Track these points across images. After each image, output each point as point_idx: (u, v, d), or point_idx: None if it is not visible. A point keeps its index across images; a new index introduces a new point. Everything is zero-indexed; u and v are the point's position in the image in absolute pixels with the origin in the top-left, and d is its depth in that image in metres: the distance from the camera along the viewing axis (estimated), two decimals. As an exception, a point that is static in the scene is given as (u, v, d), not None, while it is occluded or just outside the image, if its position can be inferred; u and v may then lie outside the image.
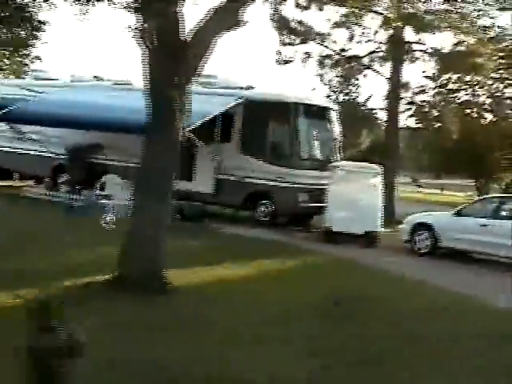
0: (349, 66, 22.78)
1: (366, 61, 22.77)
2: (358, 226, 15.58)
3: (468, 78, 25.53)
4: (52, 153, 19.76)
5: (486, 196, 16.38)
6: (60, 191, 18.78)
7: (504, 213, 14.43)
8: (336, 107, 19.28)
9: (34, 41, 33.57)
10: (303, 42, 22.38)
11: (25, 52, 33.99)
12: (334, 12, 21.90)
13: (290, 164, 17.06)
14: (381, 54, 22.49)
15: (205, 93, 18.07)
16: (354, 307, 8.85)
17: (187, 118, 15.91)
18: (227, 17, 8.83)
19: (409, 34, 21.91)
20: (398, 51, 22.02)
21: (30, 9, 32.74)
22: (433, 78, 25.75)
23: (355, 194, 15.81)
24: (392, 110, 22.41)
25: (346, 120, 25.13)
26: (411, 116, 26.84)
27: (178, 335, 7.07)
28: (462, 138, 27.65)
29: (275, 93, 17.78)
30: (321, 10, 21.76)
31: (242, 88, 18.21)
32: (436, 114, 26.99)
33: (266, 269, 11.63)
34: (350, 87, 24.04)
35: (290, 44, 22.26)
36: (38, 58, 33.75)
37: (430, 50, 22.18)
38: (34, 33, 33.83)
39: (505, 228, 13.94)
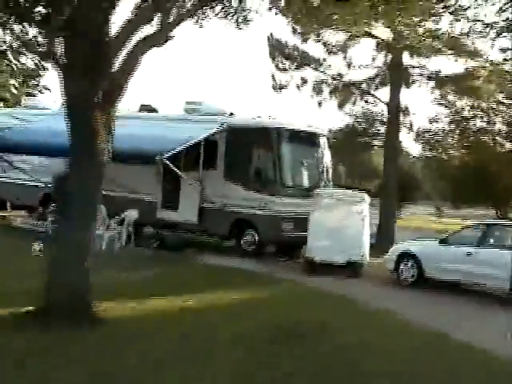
0: (346, 92, 22.16)
1: (364, 86, 22.13)
2: (339, 255, 14.84)
3: (483, 105, 24.76)
4: (40, 182, 19.52)
5: (472, 223, 15.45)
6: (47, 221, 18.47)
7: (491, 240, 13.56)
8: (325, 133, 18.62)
9: (43, 71, 34.24)
10: (298, 67, 21.92)
11: (34, 82, 34.43)
12: (332, 36, 21.39)
13: (272, 191, 16.45)
14: (379, 78, 21.82)
15: (185, 119, 17.78)
16: (291, 335, 8.30)
17: (164, 145, 15.74)
18: (154, 35, 8.40)
19: (407, 58, 21.37)
20: (396, 75, 21.37)
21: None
22: (446, 105, 24.96)
23: (338, 222, 15.08)
24: (391, 136, 21.65)
25: (347, 147, 24.59)
26: (423, 143, 26.08)
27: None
28: (477, 167, 26.80)
29: (258, 119, 17.28)
30: (318, 36, 21.36)
31: (225, 115, 17.79)
32: (450, 142, 26.28)
33: (222, 299, 10.99)
34: (350, 112, 23.29)
35: (284, 69, 21.81)
36: (46, 88, 33.97)
37: (429, 73, 21.51)
38: (42, 62, 34.50)
39: (491, 257, 13.08)
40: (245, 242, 16.89)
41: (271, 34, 21.96)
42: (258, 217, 16.51)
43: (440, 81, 21.36)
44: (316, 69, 21.92)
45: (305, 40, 21.46)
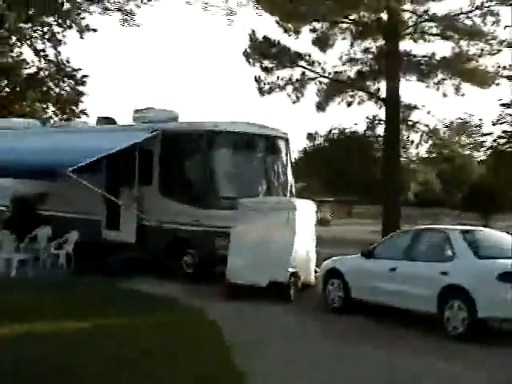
0: (335, 89, 19.59)
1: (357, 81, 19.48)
2: (261, 275, 12.52)
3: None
4: (3, 205, 18.62)
5: (401, 230, 12.46)
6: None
7: (418, 251, 10.72)
8: (282, 135, 16.12)
9: (80, 96, 34.08)
10: (286, 66, 19.72)
11: (72, 107, 34.31)
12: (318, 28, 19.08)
13: (205, 204, 14.36)
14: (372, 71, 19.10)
15: (119, 129, 16.20)
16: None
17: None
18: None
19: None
20: (393, 66, 18.63)
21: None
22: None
23: (261, 236, 12.80)
24: (390, 137, 18.82)
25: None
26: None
27: None
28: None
29: (193, 122, 15.29)
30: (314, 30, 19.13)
31: (173, 121, 15.95)
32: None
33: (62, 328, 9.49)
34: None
35: (268, 69, 19.66)
36: (83, 112, 33.68)
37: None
38: (78, 88, 34.41)
39: (416, 271, 10.32)
40: (185, 262, 14.89)
41: (253, 32, 19.94)
42: (193, 234, 14.49)
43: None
44: (305, 67, 19.57)
45: (290, 33, 19.27)
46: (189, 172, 14.91)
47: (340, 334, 10.18)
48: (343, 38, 18.84)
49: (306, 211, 13.46)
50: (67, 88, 34.17)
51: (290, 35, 19.44)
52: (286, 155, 15.92)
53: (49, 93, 34.03)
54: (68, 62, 33.68)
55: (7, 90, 31.35)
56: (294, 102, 19.50)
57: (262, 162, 15.32)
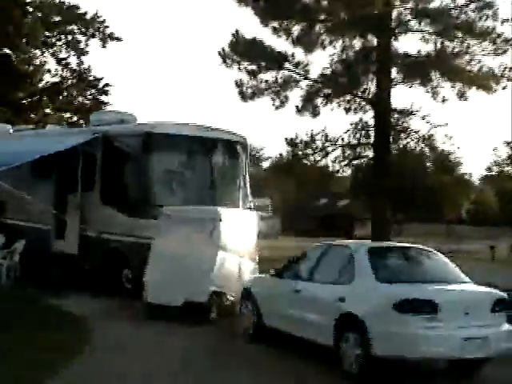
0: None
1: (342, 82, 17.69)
2: (177, 295, 11.03)
3: None
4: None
5: (314, 245, 10.48)
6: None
7: (321, 271, 8.97)
8: (241, 140, 14.56)
9: (103, 106, 33.51)
10: (269, 68, 18.23)
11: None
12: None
13: (141, 214, 12.98)
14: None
15: (65, 133, 15.17)
16: None
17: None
18: None
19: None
20: (384, 64, 16.84)
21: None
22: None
23: (180, 251, 11.31)
24: (379, 146, 16.93)
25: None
26: None
27: None
28: None
29: (138, 123, 14.01)
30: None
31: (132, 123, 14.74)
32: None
33: None
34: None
35: (253, 72, 18.20)
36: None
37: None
38: (99, 97, 33.92)
39: (316, 294, 8.63)
40: (125, 277, 13.57)
41: (237, 32, 18.54)
42: (128, 246, 13.18)
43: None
44: (290, 69, 18.03)
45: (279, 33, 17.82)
46: (126, 178, 13.63)
47: (226, 365, 8.60)
48: (329, 37, 17.10)
49: (239, 222, 11.89)
50: (90, 97, 33.82)
51: (279, 35, 17.96)
52: (242, 161, 14.40)
53: (70, 102, 33.73)
54: (89, 70, 33.36)
55: (23, 97, 30.98)
56: (277, 108, 17.95)
57: (209, 168, 13.81)
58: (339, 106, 17.42)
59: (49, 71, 33.08)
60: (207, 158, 13.82)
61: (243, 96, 18.27)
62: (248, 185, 14.45)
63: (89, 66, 33.15)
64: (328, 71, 17.34)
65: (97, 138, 13.94)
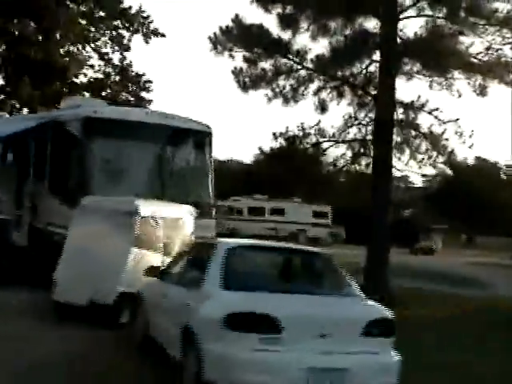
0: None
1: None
2: (81, 293, 9.91)
3: None
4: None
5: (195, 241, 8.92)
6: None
7: (188, 271, 7.54)
8: (204, 130, 13.23)
9: (145, 103, 32.93)
10: (270, 55, 16.87)
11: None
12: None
13: (76, 205, 11.97)
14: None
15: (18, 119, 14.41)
16: None
17: None
18: None
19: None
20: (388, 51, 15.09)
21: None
22: None
23: (92, 246, 10.17)
24: (380, 150, 15.13)
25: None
26: None
27: None
28: None
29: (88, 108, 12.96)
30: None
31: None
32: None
33: None
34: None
35: (253, 60, 16.87)
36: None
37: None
38: (141, 94, 33.38)
39: (172, 300, 7.29)
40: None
41: (237, 17, 17.25)
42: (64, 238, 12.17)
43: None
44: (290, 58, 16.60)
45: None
46: (68, 166, 12.65)
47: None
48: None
49: (170, 218, 10.59)
50: (132, 93, 33.35)
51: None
52: (203, 153, 13.12)
53: (113, 98, 33.29)
54: (131, 66, 32.89)
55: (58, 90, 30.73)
56: (269, 100, 16.49)
57: (158, 158, 12.62)
58: (351, 102, 15.68)
59: (91, 66, 32.89)
60: (157, 147, 12.64)
61: (243, 86, 16.94)
62: (210, 179, 13.18)
63: (130, 62, 32.75)
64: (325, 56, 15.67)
65: (46, 124, 13.05)
